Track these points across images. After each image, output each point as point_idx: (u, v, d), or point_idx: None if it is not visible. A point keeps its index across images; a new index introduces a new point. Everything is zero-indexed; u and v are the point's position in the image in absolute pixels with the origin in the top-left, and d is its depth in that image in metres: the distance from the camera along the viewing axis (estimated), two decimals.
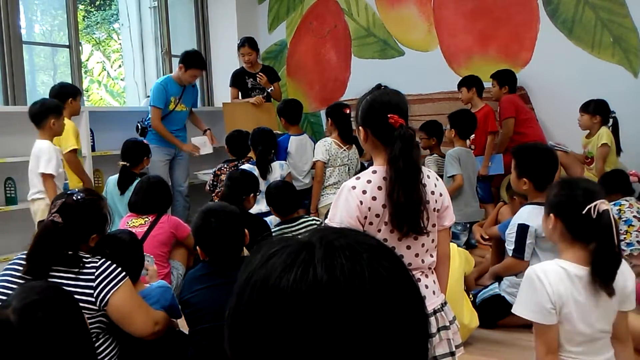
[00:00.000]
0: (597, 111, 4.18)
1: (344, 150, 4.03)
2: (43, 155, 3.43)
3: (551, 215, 1.77)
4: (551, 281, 1.68)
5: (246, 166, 3.83)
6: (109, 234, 2.18)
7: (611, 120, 4.21)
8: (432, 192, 1.72)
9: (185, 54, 4.75)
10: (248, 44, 5.16)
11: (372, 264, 0.59)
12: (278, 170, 3.93)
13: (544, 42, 4.91)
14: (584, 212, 1.65)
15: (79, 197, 1.95)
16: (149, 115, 4.76)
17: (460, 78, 4.83)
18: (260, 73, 5.14)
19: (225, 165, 4.08)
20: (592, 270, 1.66)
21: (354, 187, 1.67)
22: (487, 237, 3.63)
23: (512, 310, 1.78)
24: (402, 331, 0.58)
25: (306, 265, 0.58)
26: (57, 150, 3.54)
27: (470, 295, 2.98)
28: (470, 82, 4.68)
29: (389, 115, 1.65)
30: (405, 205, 1.61)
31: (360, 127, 1.75)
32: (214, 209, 2.11)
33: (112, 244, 2.10)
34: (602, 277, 1.66)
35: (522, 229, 2.71)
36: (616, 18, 4.66)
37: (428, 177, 1.73)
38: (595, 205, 1.64)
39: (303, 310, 0.55)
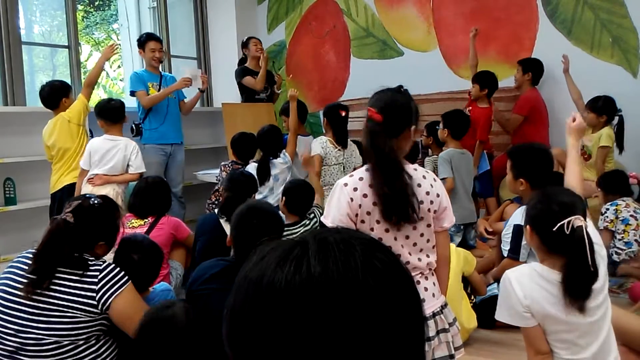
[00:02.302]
0: (604, 111, 4.15)
1: (339, 149, 4.04)
2: (138, 154, 3.84)
3: (528, 227, 1.77)
4: (523, 285, 1.67)
5: (250, 166, 3.85)
6: (129, 239, 2.22)
7: (617, 118, 4.18)
8: (427, 193, 1.71)
9: (137, 41, 4.82)
10: (257, 38, 5.38)
11: (366, 256, 0.59)
12: (280, 161, 3.96)
13: (543, 43, 4.91)
14: (555, 228, 1.61)
15: (95, 201, 1.99)
16: (141, 114, 4.71)
17: (460, 78, 4.82)
18: (278, 73, 5.29)
19: (230, 164, 4.10)
20: (563, 285, 1.61)
21: (345, 185, 1.69)
22: (491, 230, 3.62)
23: (495, 316, 1.78)
24: (397, 323, 0.58)
25: (299, 260, 0.58)
26: None
27: (473, 297, 2.97)
28: (485, 82, 4.56)
29: (368, 108, 1.69)
30: (391, 195, 1.62)
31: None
32: (257, 207, 2.06)
33: (137, 250, 2.15)
34: (573, 293, 1.60)
35: (518, 230, 2.69)
36: (615, 18, 4.66)
37: (424, 177, 1.73)
38: (569, 222, 1.60)
39: (298, 304, 0.55)
